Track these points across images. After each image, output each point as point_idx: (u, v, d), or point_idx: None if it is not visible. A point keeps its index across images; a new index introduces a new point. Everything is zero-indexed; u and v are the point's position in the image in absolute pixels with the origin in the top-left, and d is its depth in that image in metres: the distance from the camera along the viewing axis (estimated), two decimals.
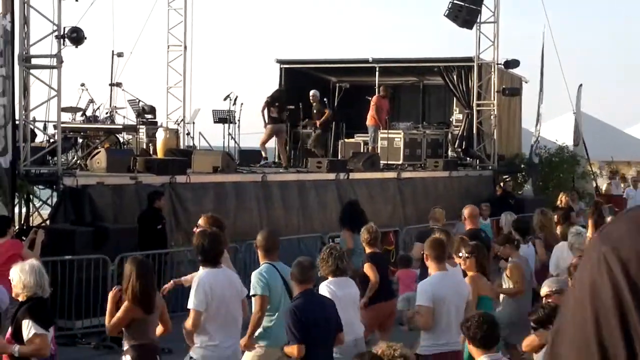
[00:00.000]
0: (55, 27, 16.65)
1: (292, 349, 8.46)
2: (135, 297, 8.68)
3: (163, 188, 17.27)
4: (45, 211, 20.07)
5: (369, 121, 25.33)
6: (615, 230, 1.30)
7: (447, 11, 26.73)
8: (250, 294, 9.47)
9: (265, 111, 22.40)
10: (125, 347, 8.83)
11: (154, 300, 8.79)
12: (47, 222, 17.04)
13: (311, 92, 24.83)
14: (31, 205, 17.65)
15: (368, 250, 12.34)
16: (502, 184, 27.98)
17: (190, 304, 8.89)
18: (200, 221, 10.38)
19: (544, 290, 8.87)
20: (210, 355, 8.97)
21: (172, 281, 10.52)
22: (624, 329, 1.24)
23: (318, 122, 24.88)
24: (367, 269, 12.13)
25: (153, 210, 16.57)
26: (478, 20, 27.48)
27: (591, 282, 1.28)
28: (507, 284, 12.07)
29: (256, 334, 9.56)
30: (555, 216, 15.94)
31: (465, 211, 14.24)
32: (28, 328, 7.88)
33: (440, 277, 9.45)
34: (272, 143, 23.30)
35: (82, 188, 16.22)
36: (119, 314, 8.71)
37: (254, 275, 9.62)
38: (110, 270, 14.61)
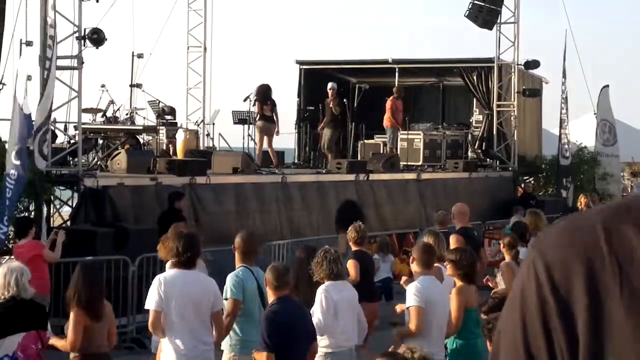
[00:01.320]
0: (76, 29, 16.69)
1: (262, 357, 8.15)
2: (82, 304, 8.49)
3: (183, 189, 17.29)
4: (66, 212, 20.17)
5: (386, 123, 25.24)
6: (545, 237, 1.34)
7: (468, 11, 26.66)
8: (224, 296, 9.19)
9: (258, 108, 22.01)
10: (72, 356, 8.62)
11: (101, 308, 8.63)
12: (68, 223, 17.09)
13: (329, 85, 24.33)
14: (52, 206, 17.69)
15: (354, 248, 12.24)
16: (522, 185, 27.90)
17: (147, 303, 8.60)
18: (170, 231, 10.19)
19: None
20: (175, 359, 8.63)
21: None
22: (546, 333, 1.27)
23: (322, 123, 24.33)
24: (350, 265, 11.84)
25: (173, 211, 16.57)
26: (498, 21, 27.39)
27: (521, 287, 1.32)
28: (501, 285, 12.00)
29: (228, 340, 9.33)
30: None
31: (454, 209, 14.04)
32: None
33: (430, 281, 9.15)
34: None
35: (103, 189, 16.25)
36: (70, 325, 8.48)
37: (229, 278, 9.41)
38: (131, 271, 14.64)
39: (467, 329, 9.40)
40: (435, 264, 9.85)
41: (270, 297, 8.60)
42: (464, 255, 9.81)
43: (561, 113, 28.95)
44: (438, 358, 8.87)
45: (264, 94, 22.01)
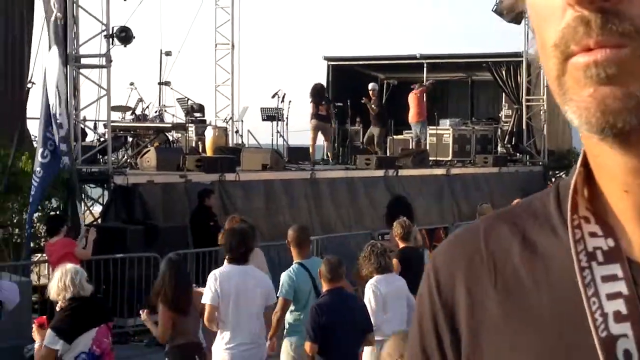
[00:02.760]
0: (104, 27, 16.73)
1: (307, 346, 8.43)
2: (167, 300, 8.66)
3: (212, 186, 17.30)
4: (97, 210, 20.24)
5: (414, 119, 25.20)
6: (440, 245, 1.42)
7: (495, 6, 26.54)
8: (278, 293, 9.44)
9: (313, 108, 22.32)
10: (166, 348, 8.84)
11: (188, 303, 8.74)
12: (99, 220, 17.14)
13: (370, 86, 24.58)
14: (83, 204, 17.75)
15: (401, 245, 12.25)
16: (553, 179, 27.74)
17: (204, 298, 8.77)
18: (227, 223, 10.28)
19: None
20: (228, 356, 8.82)
21: None
22: (436, 334, 1.33)
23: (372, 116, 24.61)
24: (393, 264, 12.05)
25: (204, 208, 16.61)
26: (526, 15, 27.17)
27: (419, 292, 1.38)
28: None
29: (285, 331, 9.54)
30: None
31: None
32: (47, 336, 7.86)
33: None
34: (320, 141, 23.26)
35: (133, 186, 16.29)
36: (160, 320, 8.69)
37: (283, 276, 9.58)
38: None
39: None
40: None
41: (324, 288, 8.81)
42: None
43: None
44: None
45: (318, 94, 22.32)
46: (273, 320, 9.27)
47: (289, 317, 9.54)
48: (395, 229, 12.27)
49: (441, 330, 1.33)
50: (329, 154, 23.17)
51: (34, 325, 8.27)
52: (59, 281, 7.99)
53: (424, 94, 25.39)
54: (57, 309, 8.13)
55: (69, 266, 8.25)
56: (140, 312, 9.22)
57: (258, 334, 8.94)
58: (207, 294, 8.72)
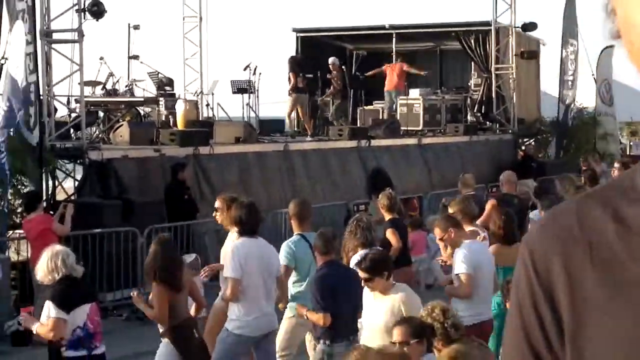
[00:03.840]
0: (75, 1, 16.56)
1: (318, 318, 8.44)
2: (161, 278, 8.60)
3: (187, 160, 17.26)
4: (68, 185, 20.11)
5: (393, 86, 25.29)
6: (531, 228, 1.49)
7: None
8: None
9: (293, 80, 22.21)
10: (162, 329, 8.77)
11: (180, 279, 8.74)
12: (74, 196, 17.05)
13: (330, 60, 24.58)
14: (56, 179, 17.65)
15: (388, 216, 12.27)
16: (523, 147, 27.91)
17: (228, 272, 8.89)
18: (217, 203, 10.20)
19: None
20: (245, 326, 8.99)
21: (206, 267, 10.11)
22: (535, 309, 1.38)
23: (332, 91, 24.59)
24: (390, 234, 12.10)
25: (177, 182, 16.59)
26: None
27: (516, 277, 1.44)
28: None
29: (290, 305, 9.59)
30: (583, 178, 15.96)
31: (503, 177, 14.05)
32: (47, 310, 7.85)
33: (477, 245, 9.33)
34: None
35: (108, 161, 16.21)
36: (155, 301, 8.62)
37: (283, 245, 9.72)
38: (140, 243, 14.63)
39: None
40: (472, 227, 10.00)
41: (319, 262, 8.89)
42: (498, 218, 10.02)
43: (563, 74, 28.89)
44: (485, 317, 9.05)
45: (298, 65, 22.22)
46: (280, 285, 9.42)
47: (290, 289, 9.62)
48: (382, 200, 12.28)
49: (541, 309, 1.37)
50: (306, 126, 23.07)
51: (22, 316, 8.20)
52: (49, 262, 7.95)
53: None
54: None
55: (58, 247, 8.22)
56: (132, 294, 9.15)
57: (271, 303, 9.15)
58: (231, 268, 8.82)
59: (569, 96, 28.67)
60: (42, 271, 7.99)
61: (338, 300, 8.46)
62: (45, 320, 7.87)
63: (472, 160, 24.57)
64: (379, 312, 7.72)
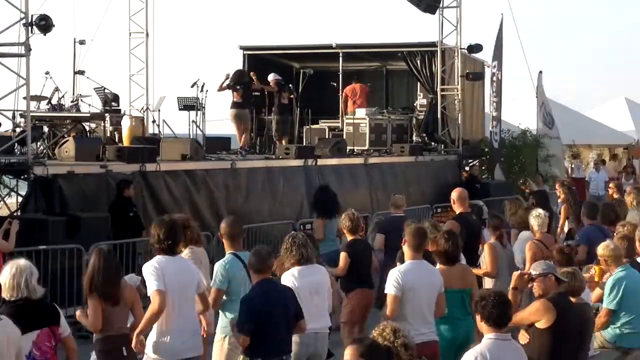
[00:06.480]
0: (22, 15, 16.39)
1: (238, 339, 8.46)
2: (97, 290, 8.56)
3: (133, 176, 17.16)
4: (11, 201, 19.88)
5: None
6: None
7: None
8: (211, 283, 9.47)
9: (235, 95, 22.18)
10: (94, 339, 8.74)
11: (117, 292, 8.64)
12: (18, 212, 16.85)
13: (270, 77, 24.49)
14: None
15: (349, 237, 12.22)
16: (467, 168, 28.10)
17: (151, 287, 8.62)
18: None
19: (532, 273, 8.85)
20: (164, 347, 8.75)
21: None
22: None
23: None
24: (341, 257, 12.05)
25: (123, 198, 16.49)
26: (441, 5, 27.54)
27: None
28: (483, 265, 12.16)
29: (220, 323, 9.50)
30: (534, 200, 16.16)
31: (454, 194, 13.68)
32: None
33: (414, 265, 9.23)
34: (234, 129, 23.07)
35: (53, 177, 16.03)
36: (89, 310, 8.59)
37: (216, 266, 9.52)
38: (85, 260, 14.43)
39: (450, 310, 9.54)
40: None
41: (253, 280, 8.78)
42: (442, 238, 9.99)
43: (491, 96, 29.05)
44: (430, 338, 9.07)
45: (234, 81, 22.19)
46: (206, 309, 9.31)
47: (225, 311, 9.48)
48: (344, 222, 12.22)
49: None
50: (242, 140, 22.84)
51: None
52: (12, 279, 7.76)
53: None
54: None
55: (23, 264, 7.93)
56: (76, 312, 8.97)
57: (192, 326, 8.96)
58: (156, 281, 8.57)
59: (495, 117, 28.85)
60: (3, 285, 7.74)
61: (266, 323, 8.39)
62: None
63: (417, 180, 24.71)
64: None
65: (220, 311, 9.58)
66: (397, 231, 11.49)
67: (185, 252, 10.08)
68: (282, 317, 8.56)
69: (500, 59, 29.13)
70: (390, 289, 9.06)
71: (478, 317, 7.36)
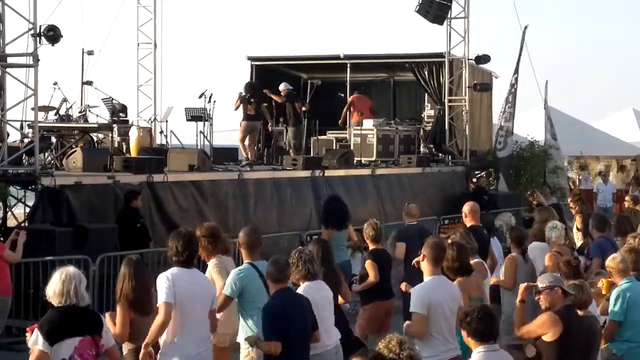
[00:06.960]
0: (31, 26, 16.44)
1: (269, 347, 8.41)
2: (128, 299, 8.61)
3: (141, 187, 17.17)
4: (18, 211, 19.90)
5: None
6: None
7: (418, 7, 26.74)
8: (224, 290, 9.50)
9: (241, 108, 22.24)
10: (125, 351, 8.71)
11: (148, 303, 8.68)
12: (25, 222, 16.87)
13: (281, 86, 24.50)
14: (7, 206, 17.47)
15: (372, 246, 12.29)
16: (475, 180, 28.05)
17: (160, 299, 8.53)
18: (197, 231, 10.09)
19: (539, 285, 8.82)
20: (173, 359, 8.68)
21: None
22: None
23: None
24: (368, 266, 12.12)
25: (130, 209, 16.49)
26: (449, 16, 27.54)
27: None
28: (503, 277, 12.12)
29: (243, 334, 9.45)
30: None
31: (466, 208, 13.53)
32: (35, 336, 7.56)
33: (436, 281, 9.11)
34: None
35: (60, 188, 16.05)
36: (117, 318, 8.62)
37: (231, 274, 9.55)
38: (92, 271, 14.45)
39: None
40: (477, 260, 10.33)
41: (271, 290, 8.78)
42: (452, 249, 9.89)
43: (506, 106, 28.97)
44: (454, 353, 8.94)
45: (250, 92, 22.22)
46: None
47: (242, 320, 9.49)
48: (367, 231, 12.24)
49: None
50: (249, 153, 22.82)
51: (27, 334, 7.94)
52: (62, 285, 7.68)
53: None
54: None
55: (72, 271, 7.84)
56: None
57: (204, 339, 8.89)
58: (165, 293, 8.48)
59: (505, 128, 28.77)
60: (52, 291, 7.70)
61: (288, 331, 8.42)
62: (31, 346, 7.63)
63: (424, 192, 24.66)
64: None
65: (242, 322, 9.55)
66: (413, 239, 11.38)
67: (213, 261, 10.16)
68: (302, 326, 8.61)
69: (518, 71, 29.10)
70: (415, 307, 8.91)
71: (464, 334, 7.31)
